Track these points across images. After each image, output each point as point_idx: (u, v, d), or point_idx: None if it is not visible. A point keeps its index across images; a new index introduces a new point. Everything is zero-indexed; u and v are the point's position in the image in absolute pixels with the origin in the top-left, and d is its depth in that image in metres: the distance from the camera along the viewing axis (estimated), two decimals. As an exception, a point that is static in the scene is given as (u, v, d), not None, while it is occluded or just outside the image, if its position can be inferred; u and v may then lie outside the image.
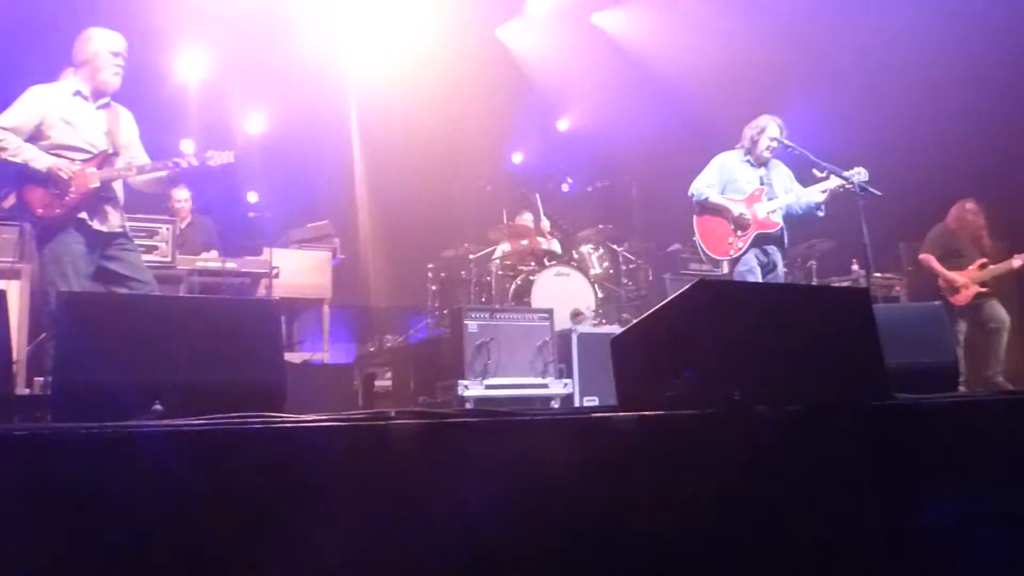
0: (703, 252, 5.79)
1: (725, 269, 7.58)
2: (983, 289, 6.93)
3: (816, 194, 5.52)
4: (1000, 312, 6.91)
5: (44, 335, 4.66)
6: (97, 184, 4.39)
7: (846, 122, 7.72)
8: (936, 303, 4.77)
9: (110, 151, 4.49)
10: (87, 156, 4.42)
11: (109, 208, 4.48)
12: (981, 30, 7.65)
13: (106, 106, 4.59)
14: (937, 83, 7.87)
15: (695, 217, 5.73)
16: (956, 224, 7.19)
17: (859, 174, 5.35)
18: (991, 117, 7.57)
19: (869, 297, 2.80)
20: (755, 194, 5.61)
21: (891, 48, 8.31)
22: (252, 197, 9.15)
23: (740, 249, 5.54)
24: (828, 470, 2.15)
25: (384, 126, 9.06)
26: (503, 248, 7.88)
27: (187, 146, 6.82)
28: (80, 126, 4.44)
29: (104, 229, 4.43)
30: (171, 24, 7.70)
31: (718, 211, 5.62)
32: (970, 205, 7.17)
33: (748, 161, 5.74)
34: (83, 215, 4.35)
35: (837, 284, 7.71)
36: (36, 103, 4.38)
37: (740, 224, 5.53)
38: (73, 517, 1.52)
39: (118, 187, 4.58)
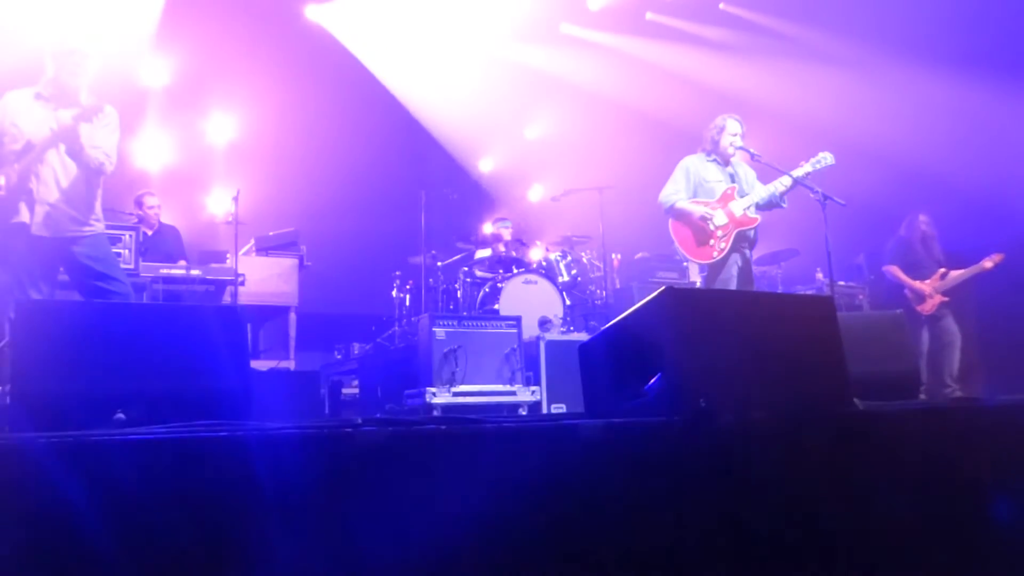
0: (685, 258, 5.71)
1: (694, 277, 7.64)
2: (946, 299, 7.03)
3: (780, 185, 5.47)
4: (954, 326, 7.01)
5: (3, 342, 4.57)
6: (15, 180, 4.23)
7: (807, 135, 7.83)
8: (898, 311, 4.83)
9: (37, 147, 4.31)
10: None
11: (50, 211, 4.30)
12: (935, 48, 7.83)
13: (71, 105, 4.40)
14: (894, 99, 8.05)
15: (670, 223, 5.57)
16: (910, 235, 7.31)
17: (824, 159, 5.40)
18: (945, 131, 7.74)
19: (834, 305, 2.81)
20: (728, 193, 5.51)
21: (850, 66, 8.49)
22: (218, 203, 9.07)
23: (723, 250, 5.39)
24: (791, 476, 2.17)
25: (351, 130, 9.03)
26: (471, 255, 7.88)
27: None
28: (27, 128, 4.33)
29: (47, 234, 4.28)
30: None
31: (690, 216, 5.46)
32: (923, 217, 7.31)
33: (714, 160, 5.64)
34: (23, 219, 4.25)
35: (802, 292, 7.78)
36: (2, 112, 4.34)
37: (707, 226, 5.40)
38: (32, 528, 1.49)
39: (57, 183, 4.34)
